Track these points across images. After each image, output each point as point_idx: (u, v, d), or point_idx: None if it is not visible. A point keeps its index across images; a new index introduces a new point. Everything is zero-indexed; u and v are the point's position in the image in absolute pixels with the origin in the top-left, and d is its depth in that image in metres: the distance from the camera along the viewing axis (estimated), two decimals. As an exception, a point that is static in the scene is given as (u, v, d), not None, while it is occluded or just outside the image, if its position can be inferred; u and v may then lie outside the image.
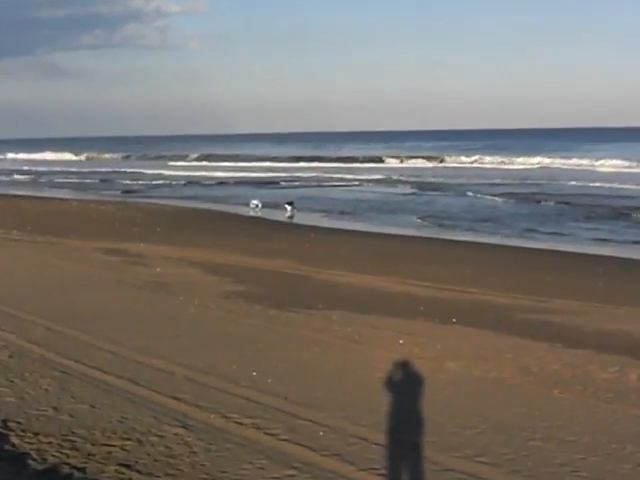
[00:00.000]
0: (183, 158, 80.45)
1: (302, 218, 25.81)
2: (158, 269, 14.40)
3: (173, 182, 45.68)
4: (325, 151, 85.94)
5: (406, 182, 44.03)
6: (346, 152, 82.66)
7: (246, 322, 10.03)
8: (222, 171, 56.00)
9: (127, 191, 38.77)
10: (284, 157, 77.05)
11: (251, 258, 15.97)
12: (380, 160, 69.92)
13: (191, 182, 45.42)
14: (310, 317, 10.32)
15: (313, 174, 52.30)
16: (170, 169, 59.29)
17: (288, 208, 27.81)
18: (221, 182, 45.38)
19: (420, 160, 67.82)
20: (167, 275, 13.76)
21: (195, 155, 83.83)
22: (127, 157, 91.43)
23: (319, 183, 43.97)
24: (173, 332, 9.41)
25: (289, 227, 23.57)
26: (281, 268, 14.72)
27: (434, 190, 37.52)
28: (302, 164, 66.12)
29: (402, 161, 67.68)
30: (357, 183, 43.52)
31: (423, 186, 40.20)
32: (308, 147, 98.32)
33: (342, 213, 27.52)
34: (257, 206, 29.03)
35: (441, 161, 66.74)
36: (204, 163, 70.34)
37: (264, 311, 10.70)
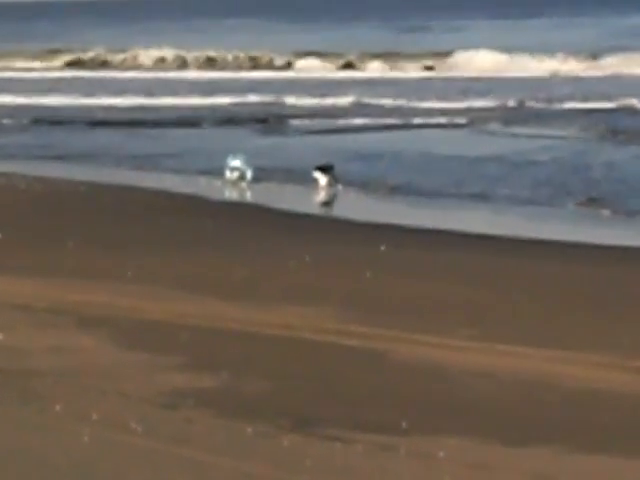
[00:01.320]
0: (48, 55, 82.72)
1: (354, 205, 26.15)
2: (0, 336, 14.61)
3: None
4: (402, 41, 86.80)
5: (567, 115, 44.79)
6: (441, 39, 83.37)
7: (221, 467, 10.12)
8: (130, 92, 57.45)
9: None
10: (299, 53, 78.16)
11: (231, 306, 16.39)
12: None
13: (61, 121, 46.70)
14: (380, 454, 10.53)
15: (367, 99, 52.62)
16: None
17: (321, 180, 28.23)
18: (146, 121, 46.04)
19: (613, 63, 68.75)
20: (23, 351, 14.06)
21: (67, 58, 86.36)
22: None
23: (399, 119, 45.04)
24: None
25: (324, 227, 24.09)
26: (305, 331, 15.13)
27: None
28: (343, 73, 66.76)
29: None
30: (464, 121, 44.79)
31: (615, 127, 40.82)
32: (359, 30, 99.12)
33: (442, 193, 28.04)
34: (242, 175, 29.66)
35: None
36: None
37: (264, 440, 10.92)
